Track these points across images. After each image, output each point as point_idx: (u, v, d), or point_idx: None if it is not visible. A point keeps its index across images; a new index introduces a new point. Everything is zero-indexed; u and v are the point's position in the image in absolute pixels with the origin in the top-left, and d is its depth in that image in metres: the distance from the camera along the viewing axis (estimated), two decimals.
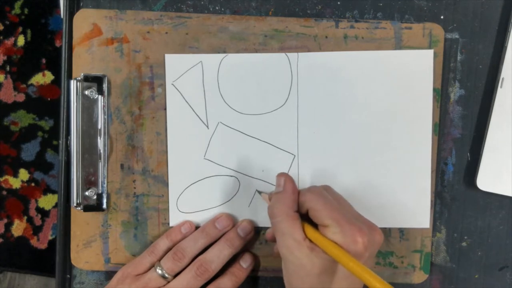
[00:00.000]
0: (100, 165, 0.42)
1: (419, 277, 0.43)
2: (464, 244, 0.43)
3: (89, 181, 0.42)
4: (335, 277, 0.33)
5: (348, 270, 0.31)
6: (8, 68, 0.83)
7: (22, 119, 0.83)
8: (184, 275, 0.39)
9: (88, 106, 0.42)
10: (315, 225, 0.35)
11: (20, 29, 0.83)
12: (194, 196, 0.43)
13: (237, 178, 0.43)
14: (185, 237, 0.41)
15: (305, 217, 0.36)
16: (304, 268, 0.33)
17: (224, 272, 0.41)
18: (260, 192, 0.42)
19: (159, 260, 0.40)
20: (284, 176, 0.37)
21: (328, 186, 0.39)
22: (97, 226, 0.43)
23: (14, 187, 0.84)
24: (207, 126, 0.42)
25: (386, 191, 0.42)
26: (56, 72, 0.83)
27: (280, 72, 0.42)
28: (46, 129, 0.84)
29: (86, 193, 0.42)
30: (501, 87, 0.41)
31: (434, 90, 0.42)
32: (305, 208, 0.35)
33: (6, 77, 0.83)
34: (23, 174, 0.84)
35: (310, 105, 0.42)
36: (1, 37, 0.82)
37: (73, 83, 0.41)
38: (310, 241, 0.34)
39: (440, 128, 0.42)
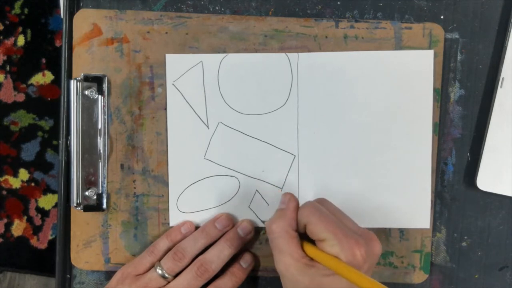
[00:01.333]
0: (100, 165, 0.42)
1: (419, 277, 0.43)
2: (464, 244, 0.43)
3: (89, 181, 0.42)
4: None
5: (351, 282, 0.31)
6: (8, 68, 0.83)
7: (22, 119, 0.83)
8: (185, 275, 0.39)
9: (88, 106, 0.42)
10: (313, 243, 0.35)
11: (20, 29, 0.83)
12: (194, 196, 0.43)
13: (237, 178, 0.43)
14: (185, 237, 0.41)
15: (304, 236, 0.36)
16: (301, 284, 0.33)
17: (224, 272, 0.41)
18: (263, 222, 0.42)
19: (159, 260, 0.40)
20: (290, 195, 0.38)
21: (324, 199, 0.38)
22: (97, 226, 0.43)
23: (14, 187, 0.84)
24: (207, 126, 0.42)
25: (386, 191, 0.42)
26: (56, 72, 0.83)
27: (280, 72, 0.42)
28: (46, 129, 0.84)
29: (86, 193, 0.42)
30: (501, 87, 0.41)
31: (434, 90, 0.42)
32: (303, 224, 0.36)
33: (6, 77, 0.83)
34: (23, 174, 0.84)
35: (310, 105, 0.42)
36: (1, 37, 0.82)
37: (73, 83, 0.41)
38: (309, 259, 0.34)
39: (440, 128, 0.42)
